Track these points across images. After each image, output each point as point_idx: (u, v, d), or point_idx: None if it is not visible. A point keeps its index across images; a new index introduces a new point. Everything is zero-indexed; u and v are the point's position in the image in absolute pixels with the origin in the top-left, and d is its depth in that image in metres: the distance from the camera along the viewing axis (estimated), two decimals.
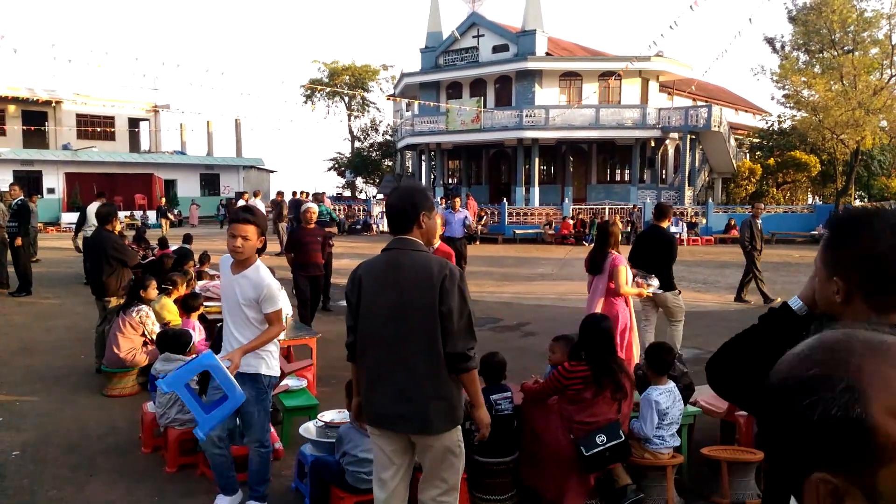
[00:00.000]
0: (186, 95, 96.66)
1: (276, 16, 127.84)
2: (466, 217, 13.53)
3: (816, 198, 36.54)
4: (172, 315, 7.12)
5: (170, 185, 38.59)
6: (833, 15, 26.35)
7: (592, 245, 7.05)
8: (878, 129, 27.00)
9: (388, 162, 46.24)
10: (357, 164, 45.61)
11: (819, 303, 1.47)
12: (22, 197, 12.75)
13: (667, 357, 4.58)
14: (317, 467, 4.17)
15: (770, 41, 35.23)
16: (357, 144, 47.70)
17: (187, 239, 12.17)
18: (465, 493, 4.26)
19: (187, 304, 6.78)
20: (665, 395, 4.47)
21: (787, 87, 29.41)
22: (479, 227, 24.77)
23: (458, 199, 14.25)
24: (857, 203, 30.25)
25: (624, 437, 4.19)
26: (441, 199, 27.92)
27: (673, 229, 25.44)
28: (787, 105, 31.17)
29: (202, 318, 7.12)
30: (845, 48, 27.53)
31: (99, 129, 39.16)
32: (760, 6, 32.35)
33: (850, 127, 25.44)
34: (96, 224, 8.01)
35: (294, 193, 21.44)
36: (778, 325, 1.51)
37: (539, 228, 26.03)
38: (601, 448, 4.12)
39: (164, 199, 33.28)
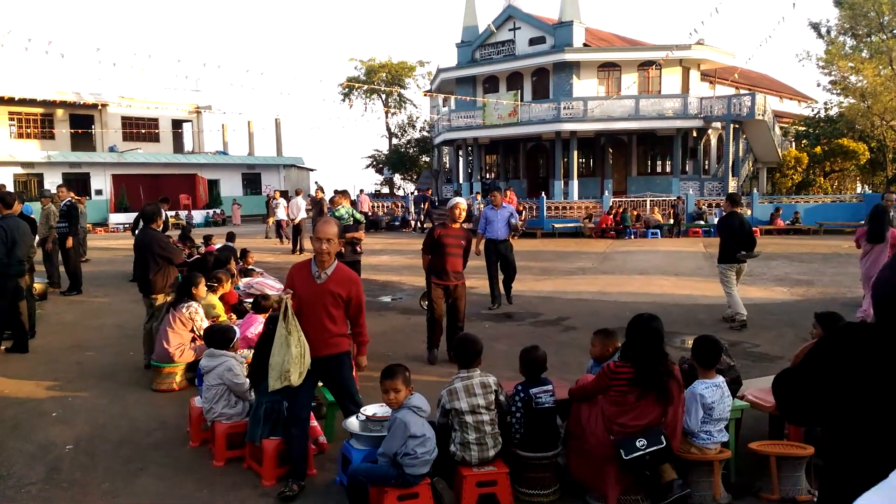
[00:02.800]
0: (227, 96, 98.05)
1: (313, 15, 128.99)
2: (513, 214, 11.11)
3: (866, 186, 35.44)
4: (219, 311, 7.26)
5: (213, 184, 39.30)
6: None
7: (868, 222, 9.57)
8: None
9: (425, 158, 46.32)
10: (394, 161, 45.80)
11: None
12: (70, 198, 13.10)
13: (712, 350, 4.49)
14: (365, 480, 4.09)
15: (815, 26, 34.25)
16: (394, 141, 47.89)
17: (230, 237, 12.38)
18: (507, 487, 4.25)
19: (258, 306, 6.95)
20: (711, 389, 4.39)
21: (833, 72, 28.60)
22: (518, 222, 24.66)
23: (497, 194, 11.65)
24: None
25: (666, 443, 4.10)
26: (476, 194, 27.90)
27: (716, 221, 25.01)
28: (834, 91, 30.32)
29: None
30: (894, 32, 26.61)
31: (143, 131, 40.07)
32: None
33: None
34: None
35: (318, 191, 21.54)
36: (850, 336, 1.46)
37: (578, 222, 25.78)
38: (641, 453, 4.06)
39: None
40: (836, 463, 1.47)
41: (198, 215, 35.42)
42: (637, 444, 4.06)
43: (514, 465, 4.36)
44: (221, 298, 7.81)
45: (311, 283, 4.44)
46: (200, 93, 42.26)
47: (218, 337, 5.49)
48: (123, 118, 39.68)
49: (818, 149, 32.10)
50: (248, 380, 5.21)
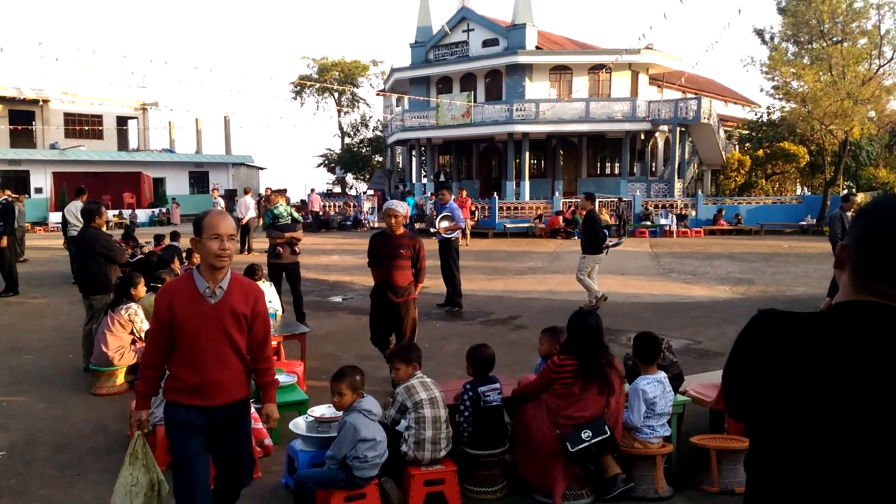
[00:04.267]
0: (175, 93, 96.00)
1: (265, 12, 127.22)
2: (452, 211, 11.03)
3: (805, 188, 36.67)
4: None
5: (158, 183, 38.41)
6: (822, 6, 26.40)
7: None
8: (866, 120, 27.08)
9: (378, 157, 46.13)
10: (347, 160, 45.49)
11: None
12: (6, 197, 12.64)
13: (651, 346, 4.59)
14: (308, 483, 4.05)
15: (759, 32, 35.30)
16: (347, 140, 47.57)
17: (175, 237, 12.12)
18: (455, 485, 4.26)
19: None
20: (653, 384, 4.48)
21: (776, 78, 29.44)
22: (471, 222, 24.75)
23: (445, 192, 11.56)
24: (845, 193, 30.41)
25: (609, 433, 4.20)
26: (432, 195, 27.92)
27: (662, 221, 25.61)
28: (777, 96, 31.22)
29: None
30: (834, 39, 27.58)
31: (87, 128, 38.89)
32: None
33: (839, 117, 25.50)
34: (81, 222, 7.94)
35: (267, 190, 21.16)
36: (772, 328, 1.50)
37: (530, 222, 26.04)
38: (586, 444, 4.13)
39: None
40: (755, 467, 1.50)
41: (142, 214, 34.58)
42: (582, 435, 4.13)
43: (462, 464, 4.38)
44: None
45: (199, 304, 3.13)
46: (147, 89, 41.27)
47: None
48: (66, 114, 38.46)
49: (760, 152, 33.09)
50: None
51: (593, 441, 4.14)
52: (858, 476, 1.31)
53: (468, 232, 21.59)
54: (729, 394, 1.58)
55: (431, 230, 10.79)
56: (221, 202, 22.57)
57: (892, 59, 26.99)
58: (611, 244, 10.66)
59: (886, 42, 26.61)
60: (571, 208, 25.69)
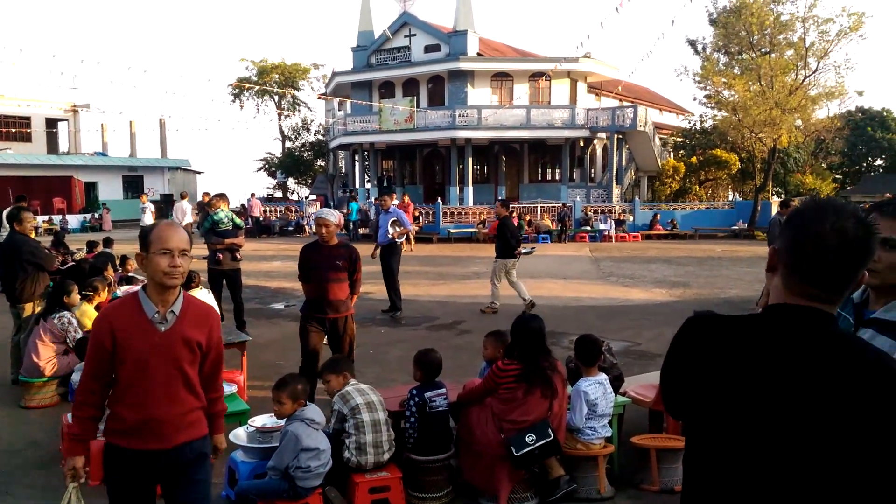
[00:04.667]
0: (107, 94, 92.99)
1: (203, 12, 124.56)
2: (399, 218, 10.74)
3: (736, 194, 38.03)
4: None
5: (90, 187, 37.09)
6: (751, 18, 27.48)
7: None
8: (793, 128, 28.29)
9: (320, 162, 45.67)
10: (288, 165, 44.89)
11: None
12: None
13: (592, 348, 4.69)
14: (249, 495, 3.98)
15: (692, 43, 36.52)
16: (288, 144, 46.95)
17: (108, 243, 11.73)
18: (400, 492, 4.25)
19: None
20: (594, 386, 4.57)
21: (708, 87, 30.49)
22: (414, 227, 24.72)
23: (387, 197, 11.27)
24: (775, 199, 31.69)
25: (553, 436, 4.26)
26: (375, 199, 27.80)
27: (602, 226, 26.14)
28: (709, 105, 32.35)
29: None
30: (763, 50, 28.71)
31: (14, 130, 37.25)
32: (683, 9, 33.54)
33: (768, 126, 26.58)
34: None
35: (205, 196, 20.55)
36: (704, 329, 1.55)
37: (473, 227, 26.21)
38: (531, 447, 4.18)
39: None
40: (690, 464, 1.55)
41: (74, 220, 33.32)
42: (527, 439, 4.18)
43: (407, 470, 4.37)
44: (98, 308, 7.37)
45: (147, 331, 2.68)
46: (78, 90, 39.83)
47: None
48: None
49: (694, 159, 34.16)
50: None
51: (537, 444, 4.19)
52: (781, 474, 1.37)
53: (412, 237, 21.54)
54: (666, 392, 1.63)
55: (389, 236, 10.67)
56: (151, 207, 21.83)
57: (816, 69, 28.28)
58: (523, 251, 11.03)
59: (811, 53, 27.86)
60: (514, 214, 26.00)
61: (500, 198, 28.87)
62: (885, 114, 45.74)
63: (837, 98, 29.55)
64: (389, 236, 10.66)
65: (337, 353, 5.84)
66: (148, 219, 21.45)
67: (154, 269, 2.66)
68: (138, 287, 2.92)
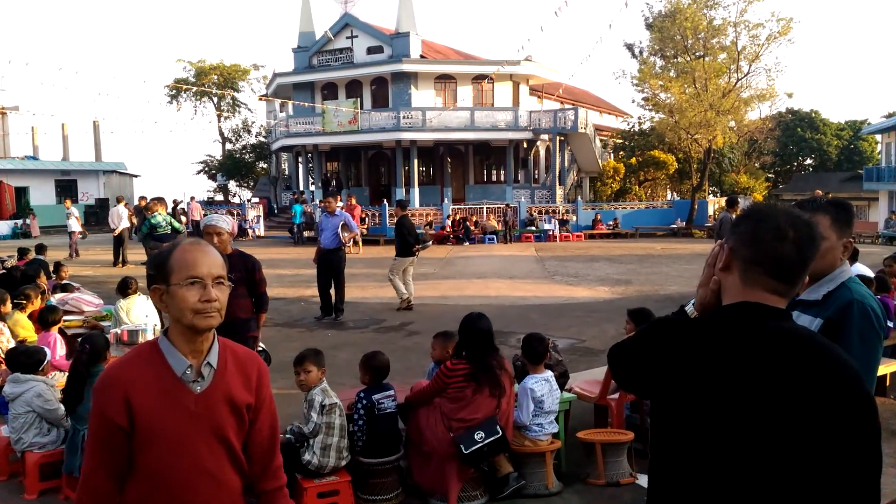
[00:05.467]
0: (38, 96, 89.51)
1: (138, 10, 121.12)
2: (346, 223, 10.51)
3: (674, 194, 39.10)
4: (27, 331, 6.58)
5: (21, 192, 35.62)
6: (686, 22, 28.29)
7: None
8: (727, 129, 29.26)
9: (262, 164, 44.95)
10: (229, 167, 44.02)
11: (708, 261, 1.66)
12: None
13: (539, 347, 4.76)
14: None
15: (629, 47, 37.34)
16: (229, 146, 46.04)
17: (40, 249, 11.31)
18: (349, 495, 4.23)
19: (45, 318, 6.29)
20: (540, 383, 4.64)
21: (645, 90, 31.27)
22: (361, 229, 24.57)
23: (331, 199, 11.04)
24: (711, 198, 32.70)
25: (501, 432, 4.31)
26: (320, 202, 27.52)
27: (546, 227, 26.50)
28: (646, 107, 33.17)
29: (62, 333, 6.64)
30: (697, 54, 29.59)
31: None
32: (620, 13, 34.37)
33: (703, 127, 27.44)
34: None
35: (142, 200, 19.78)
36: (669, 327, 1.65)
37: (420, 229, 26.20)
38: (480, 445, 4.22)
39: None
40: (656, 444, 1.62)
41: (4, 226, 31.96)
42: (476, 437, 4.22)
43: (356, 473, 4.35)
44: (31, 317, 7.10)
45: (179, 397, 1.91)
46: (5, 92, 38.47)
47: (24, 359, 4.97)
48: None
49: (633, 160, 34.98)
50: (62, 405, 4.77)
51: (486, 442, 4.23)
52: (741, 470, 1.44)
53: (360, 240, 21.44)
54: (621, 373, 1.72)
55: (343, 240, 10.50)
56: (75, 212, 20.97)
57: (748, 72, 29.30)
58: (419, 248, 11.62)
59: (743, 57, 28.85)
60: (459, 216, 26.15)
61: (449, 200, 28.98)
62: (813, 115, 47.80)
63: (768, 100, 30.70)
64: (342, 240, 10.49)
65: None
66: (73, 225, 20.61)
67: (180, 307, 1.88)
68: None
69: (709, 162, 30.48)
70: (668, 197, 37.29)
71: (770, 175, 45.66)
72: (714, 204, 30.64)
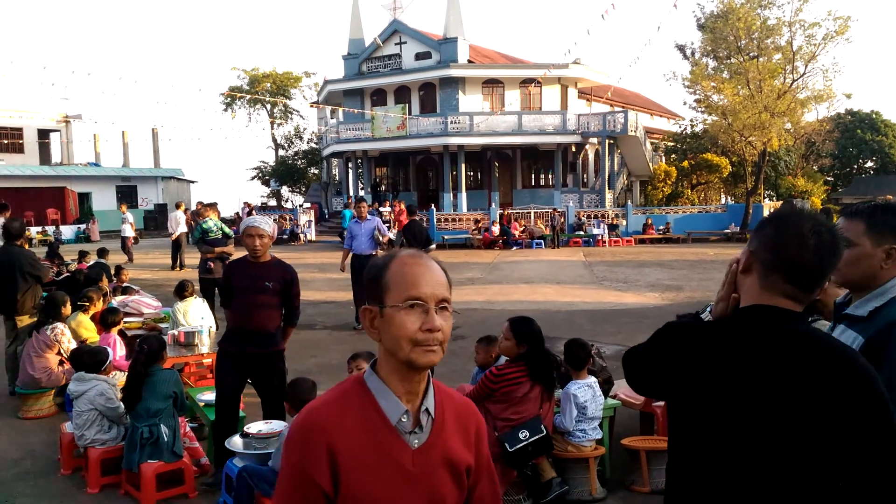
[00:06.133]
0: (100, 105, 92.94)
1: (194, 21, 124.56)
2: (378, 227, 10.37)
3: (728, 197, 38.25)
4: (89, 332, 6.90)
5: (84, 198, 37.06)
6: (739, 23, 27.69)
7: None
8: (782, 131, 28.51)
9: (313, 170, 45.75)
10: (282, 173, 44.94)
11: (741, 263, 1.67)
12: None
13: (581, 353, 4.77)
14: (247, 477, 4.12)
15: (681, 48, 36.73)
16: (281, 153, 47.02)
17: (102, 253, 11.77)
18: None
19: (105, 320, 6.58)
20: (583, 389, 4.65)
21: (697, 91, 30.69)
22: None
23: (363, 205, 10.87)
24: (767, 202, 31.90)
25: (545, 432, 4.33)
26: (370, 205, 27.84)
27: (595, 231, 26.27)
28: (699, 109, 32.55)
29: (122, 335, 6.93)
30: (750, 54, 28.93)
31: (6, 141, 37.24)
32: (670, 14, 33.84)
33: (757, 129, 26.78)
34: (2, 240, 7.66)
35: (198, 205, 19.84)
36: (682, 330, 1.69)
37: (467, 233, 26.30)
38: (524, 443, 4.25)
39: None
40: (673, 445, 1.66)
41: (67, 230, 33.27)
42: (520, 435, 4.25)
43: None
44: (93, 318, 7.42)
45: (394, 453, 1.49)
46: (69, 101, 39.84)
47: (88, 359, 5.22)
48: None
49: (685, 163, 34.38)
50: (122, 403, 4.99)
51: (530, 440, 4.25)
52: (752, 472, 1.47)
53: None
54: (634, 375, 1.77)
55: (381, 245, 10.50)
56: (130, 217, 21.52)
57: (804, 73, 28.52)
58: (425, 251, 11.69)
59: (799, 57, 28.10)
60: (506, 220, 26.14)
61: (497, 205, 28.99)
62: (874, 116, 46.14)
63: (826, 101, 29.78)
64: (379, 244, 10.30)
65: (267, 399, 4.87)
66: (127, 230, 21.13)
67: (396, 336, 1.47)
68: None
69: (764, 165, 29.73)
70: (722, 201, 36.53)
71: (829, 178, 44.28)
72: (769, 208, 29.87)
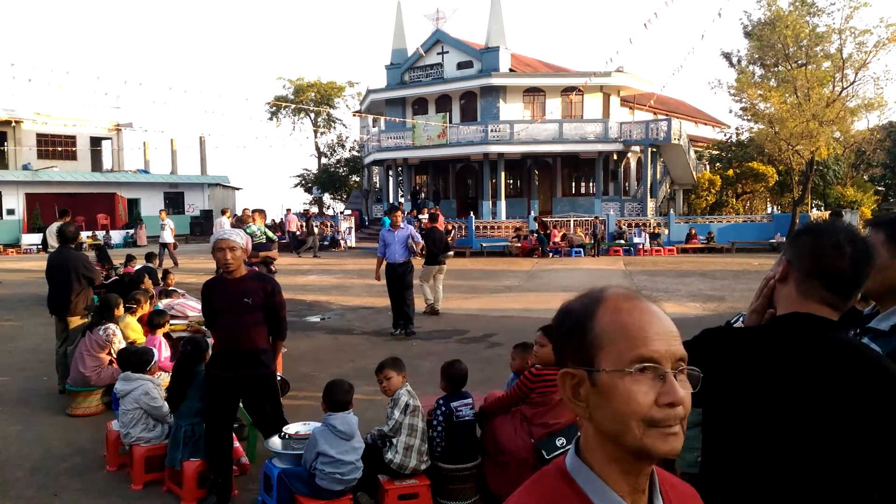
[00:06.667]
0: (149, 113, 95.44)
1: (240, 33, 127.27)
2: (412, 235, 10.39)
3: (774, 207, 37.44)
4: (137, 334, 7.12)
5: (133, 204, 38.14)
6: (787, 30, 27.18)
7: None
8: (831, 140, 27.83)
9: (355, 178, 46.26)
10: (324, 181, 45.56)
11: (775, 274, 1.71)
12: None
13: None
14: (284, 479, 4.24)
15: (727, 56, 36.21)
16: (324, 161, 47.68)
17: (150, 257, 12.10)
18: (429, 499, 4.36)
19: (152, 322, 6.79)
20: None
21: (743, 99, 30.18)
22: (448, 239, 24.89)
23: (399, 213, 10.80)
24: (815, 212, 31.14)
25: None
26: (407, 213, 28.04)
27: (636, 240, 25.97)
28: (745, 117, 32.01)
29: (167, 336, 7.13)
30: (799, 62, 28.35)
31: (60, 149, 38.60)
32: (713, 24, 33.40)
33: (805, 138, 26.19)
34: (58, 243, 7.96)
35: (245, 211, 20.33)
36: (719, 336, 1.74)
37: (506, 241, 26.27)
38: (561, 450, 4.25)
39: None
40: (708, 445, 1.68)
41: (116, 235, 34.29)
42: (556, 442, 4.25)
43: (435, 478, 4.48)
44: (140, 320, 7.66)
45: None
46: (121, 110, 41.11)
47: (134, 359, 5.40)
48: (38, 135, 38.13)
49: (730, 171, 33.77)
50: (166, 403, 5.15)
51: (567, 448, 4.24)
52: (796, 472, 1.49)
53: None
54: None
55: (416, 252, 10.58)
56: (170, 223, 21.83)
57: (854, 81, 27.82)
58: (444, 256, 12.26)
59: (849, 65, 27.43)
60: (546, 228, 26.04)
61: (536, 213, 28.91)
62: None
63: (877, 109, 29.03)
64: (414, 251, 10.37)
65: (260, 422, 4.75)
66: (167, 236, 21.43)
67: (623, 414, 1.09)
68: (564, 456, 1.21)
69: (811, 174, 29.05)
70: (768, 210, 35.79)
71: (879, 188, 42.96)
72: (818, 218, 29.15)
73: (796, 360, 1.52)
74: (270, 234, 9.57)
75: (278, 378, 5.08)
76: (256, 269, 9.06)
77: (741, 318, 1.75)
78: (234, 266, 4.52)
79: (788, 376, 1.51)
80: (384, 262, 10.46)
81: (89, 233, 31.78)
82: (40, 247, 14.36)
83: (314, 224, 27.51)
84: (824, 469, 1.46)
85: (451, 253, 12.68)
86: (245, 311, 4.50)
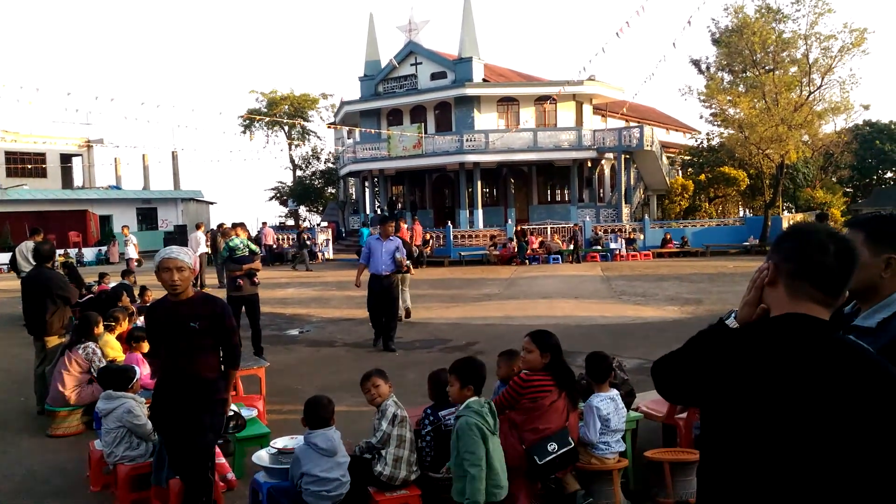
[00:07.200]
0: (121, 129, 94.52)
1: (213, 46, 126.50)
2: (399, 248, 10.15)
3: (747, 210, 37.99)
4: (116, 352, 7.02)
5: (105, 220, 37.60)
6: (754, 37, 27.71)
7: None
8: (800, 144, 28.39)
9: (331, 189, 46.11)
10: (299, 193, 45.33)
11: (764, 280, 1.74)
12: None
13: (602, 365, 4.79)
14: (273, 495, 4.20)
15: (696, 63, 36.80)
16: (299, 173, 47.44)
17: (126, 274, 11.95)
18: None
19: (133, 337, 6.70)
20: (606, 401, 4.67)
21: (713, 106, 30.70)
22: (425, 250, 24.91)
23: (389, 224, 10.63)
24: (786, 214, 31.68)
25: (573, 443, 4.35)
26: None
27: (612, 246, 26.20)
28: (715, 123, 32.54)
29: (146, 355, 7.04)
30: (766, 68, 28.91)
31: (29, 166, 37.95)
32: (685, 30, 33.98)
33: (775, 142, 26.68)
34: (32, 263, 7.84)
35: (220, 226, 19.68)
36: (715, 338, 1.76)
37: (484, 250, 26.35)
38: (553, 456, 4.27)
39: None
40: (704, 448, 1.70)
41: (89, 252, 33.76)
42: (548, 448, 4.25)
43: (426, 488, 4.46)
44: (119, 338, 7.55)
45: None
46: (91, 126, 40.56)
47: (116, 377, 5.32)
48: (7, 153, 37.51)
49: (702, 176, 34.27)
50: (150, 421, 5.07)
51: (559, 452, 4.26)
52: (784, 477, 1.51)
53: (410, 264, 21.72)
54: (665, 383, 1.82)
55: (402, 266, 10.44)
56: (134, 239, 21.60)
57: (821, 85, 28.42)
58: (406, 264, 11.57)
59: (815, 70, 28.02)
60: (524, 236, 26.17)
61: (513, 221, 29.04)
62: (892, 127, 45.70)
63: (843, 113, 29.75)
64: (399, 264, 10.24)
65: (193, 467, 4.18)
66: (131, 252, 21.15)
67: None
68: None
69: (782, 177, 29.57)
70: (740, 214, 36.31)
71: (848, 189, 43.83)
72: (788, 220, 29.66)
73: (794, 361, 1.54)
74: (253, 246, 9.49)
75: (231, 412, 4.66)
76: (240, 282, 9.04)
77: (734, 315, 1.78)
78: (182, 288, 4.13)
79: (787, 377, 1.53)
80: (366, 271, 10.20)
81: (61, 251, 31.23)
82: (9, 266, 14.11)
83: (305, 237, 27.39)
84: (824, 469, 1.48)
85: (409, 263, 12.51)
86: (190, 336, 4.09)
